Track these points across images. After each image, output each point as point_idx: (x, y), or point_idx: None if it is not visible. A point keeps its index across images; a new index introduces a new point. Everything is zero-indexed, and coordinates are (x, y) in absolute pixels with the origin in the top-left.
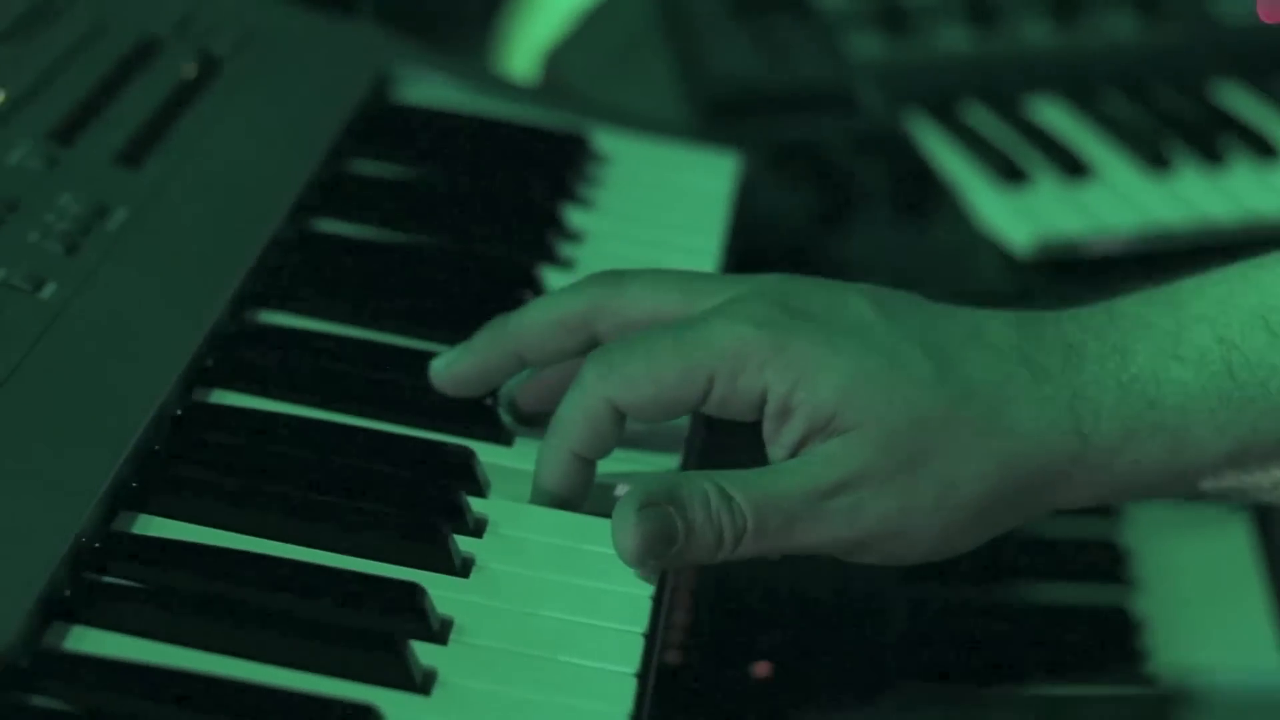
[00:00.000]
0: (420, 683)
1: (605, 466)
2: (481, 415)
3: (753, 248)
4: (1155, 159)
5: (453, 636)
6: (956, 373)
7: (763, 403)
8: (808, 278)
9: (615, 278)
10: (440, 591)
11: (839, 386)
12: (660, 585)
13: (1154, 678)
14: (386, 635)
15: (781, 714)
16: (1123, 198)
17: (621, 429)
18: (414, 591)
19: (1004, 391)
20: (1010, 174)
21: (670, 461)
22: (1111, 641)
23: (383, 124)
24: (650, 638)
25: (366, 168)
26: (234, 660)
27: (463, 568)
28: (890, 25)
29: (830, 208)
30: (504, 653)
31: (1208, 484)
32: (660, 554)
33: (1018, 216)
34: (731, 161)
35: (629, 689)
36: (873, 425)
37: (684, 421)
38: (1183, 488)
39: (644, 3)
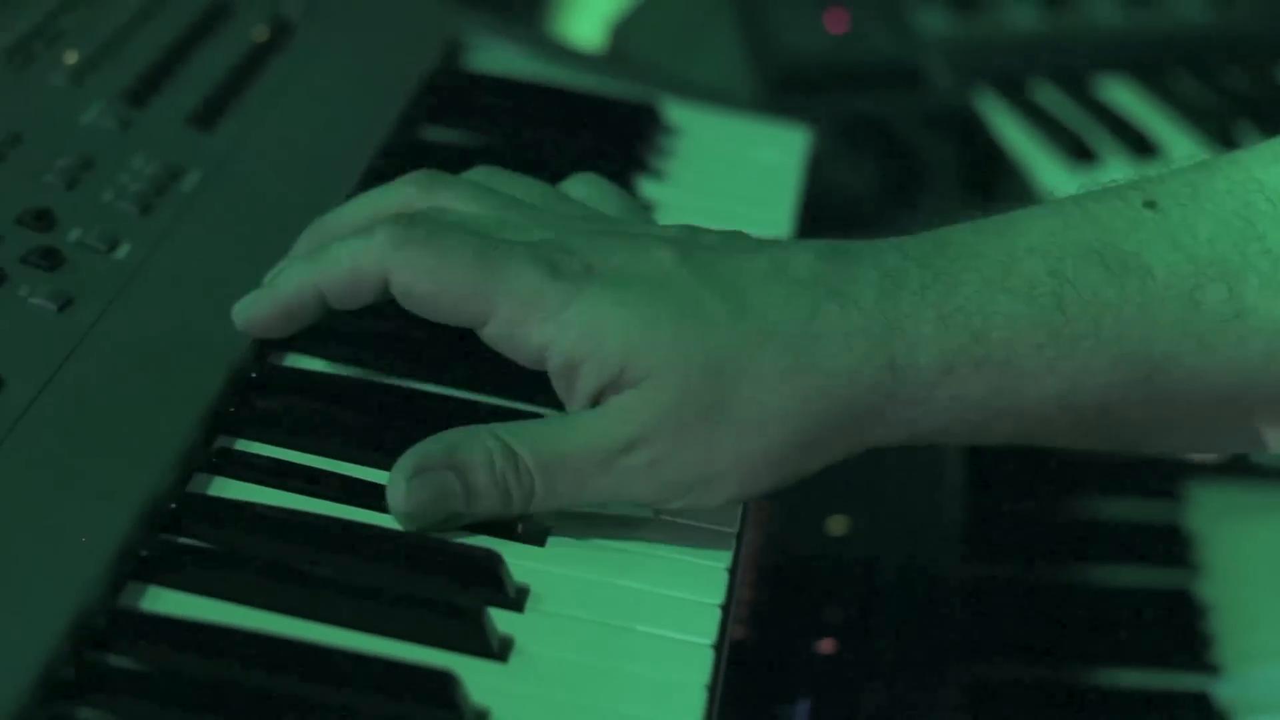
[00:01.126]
0: (497, 650)
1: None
2: None
3: (819, 223)
4: (1223, 139)
5: (529, 604)
6: (755, 312)
7: (541, 359)
8: (620, 221)
9: (433, 177)
10: (516, 560)
11: (624, 340)
12: (736, 557)
13: (1219, 662)
14: (464, 600)
15: (845, 690)
16: None
17: (374, 299)
18: (492, 559)
19: (809, 328)
20: (1079, 153)
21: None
22: (1176, 625)
23: (454, 91)
24: (725, 609)
25: (438, 134)
26: (308, 623)
27: (539, 537)
28: (960, 2)
29: (898, 185)
30: (580, 621)
31: (1039, 426)
32: (439, 520)
33: None
34: (802, 136)
35: (706, 660)
36: (665, 372)
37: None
38: (1011, 428)
39: None
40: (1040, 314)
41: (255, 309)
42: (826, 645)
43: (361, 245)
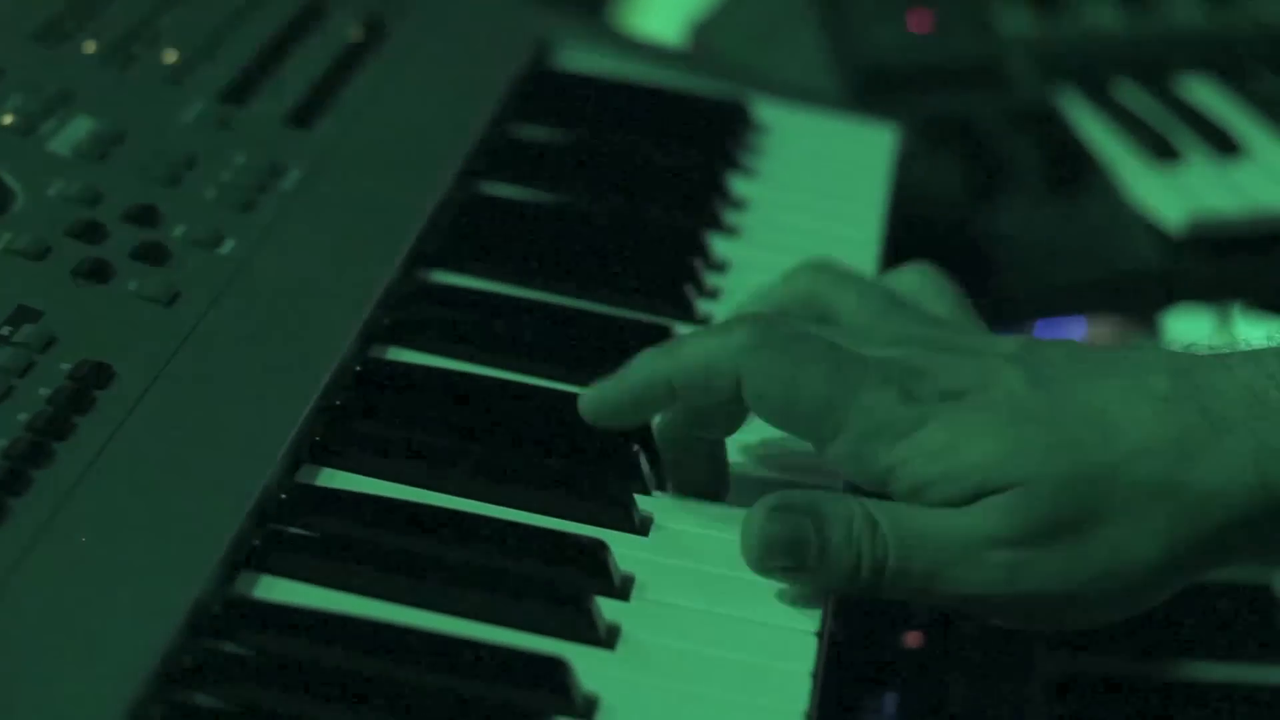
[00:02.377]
0: (605, 637)
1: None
2: None
3: (904, 221)
4: None
5: (634, 593)
6: (1122, 432)
7: (885, 480)
8: (967, 337)
9: (826, 267)
10: (620, 549)
11: (983, 457)
12: None
13: None
14: (572, 589)
15: (932, 683)
16: (1275, 176)
17: (725, 404)
18: (598, 547)
19: (1180, 447)
20: (1162, 151)
21: None
22: (1262, 619)
23: (544, 90)
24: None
25: (531, 132)
26: (417, 611)
27: (642, 526)
28: (1042, 2)
29: (981, 183)
30: (685, 610)
31: None
32: (787, 565)
33: (1170, 194)
34: (889, 134)
35: (811, 647)
36: (1036, 482)
37: None
38: None
39: None
40: None
41: (604, 396)
42: (914, 638)
43: (718, 342)
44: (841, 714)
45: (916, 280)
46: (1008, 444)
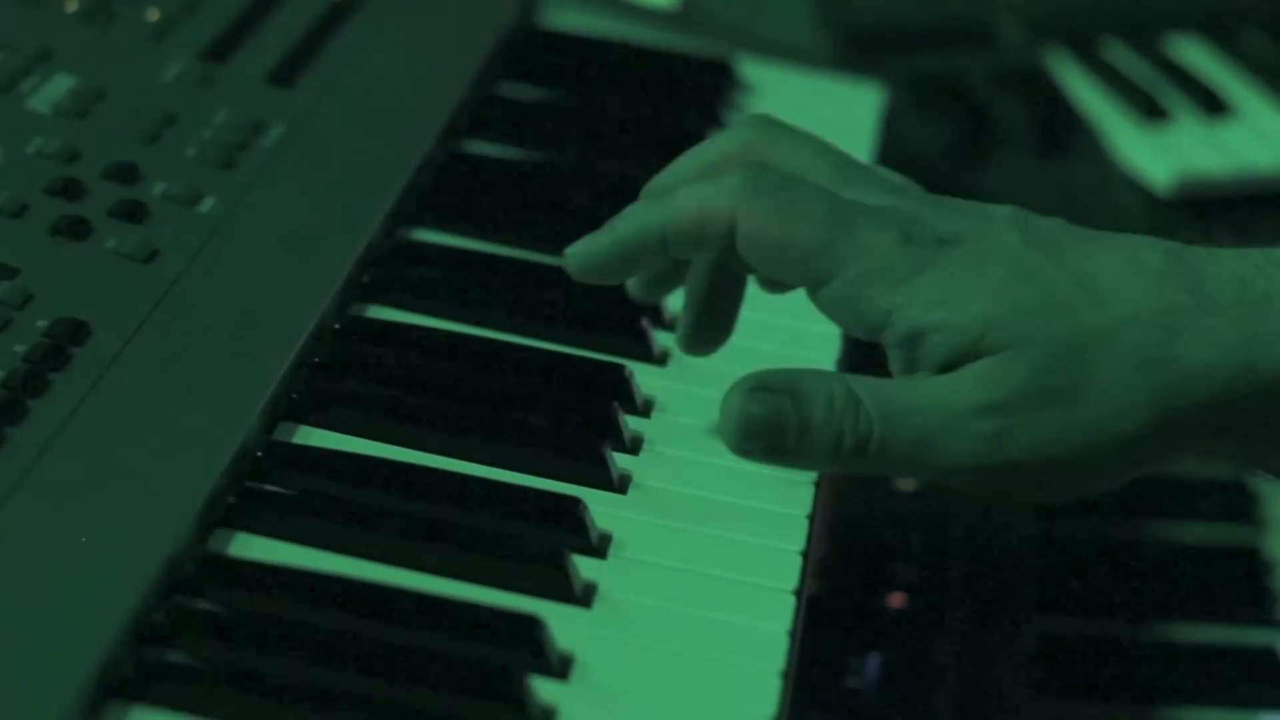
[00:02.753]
0: (581, 595)
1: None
2: (635, 334)
3: None
4: None
5: (611, 551)
6: (1115, 300)
7: (881, 324)
8: (955, 200)
9: (772, 126)
10: (598, 507)
11: (984, 311)
12: (815, 505)
13: None
14: (549, 547)
15: (916, 644)
16: (1263, 136)
17: (717, 248)
18: (574, 505)
19: (1169, 321)
20: (1150, 112)
21: None
22: (1242, 581)
23: (530, 48)
24: (805, 557)
25: (515, 91)
26: (393, 569)
27: (620, 484)
28: None
29: (970, 143)
30: (663, 568)
31: None
32: (766, 446)
33: (1158, 154)
34: (876, 93)
35: (788, 606)
36: (1027, 344)
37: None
38: None
39: None
40: None
41: (593, 247)
42: (897, 600)
43: (713, 189)
44: (824, 674)
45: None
46: (1006, 300)
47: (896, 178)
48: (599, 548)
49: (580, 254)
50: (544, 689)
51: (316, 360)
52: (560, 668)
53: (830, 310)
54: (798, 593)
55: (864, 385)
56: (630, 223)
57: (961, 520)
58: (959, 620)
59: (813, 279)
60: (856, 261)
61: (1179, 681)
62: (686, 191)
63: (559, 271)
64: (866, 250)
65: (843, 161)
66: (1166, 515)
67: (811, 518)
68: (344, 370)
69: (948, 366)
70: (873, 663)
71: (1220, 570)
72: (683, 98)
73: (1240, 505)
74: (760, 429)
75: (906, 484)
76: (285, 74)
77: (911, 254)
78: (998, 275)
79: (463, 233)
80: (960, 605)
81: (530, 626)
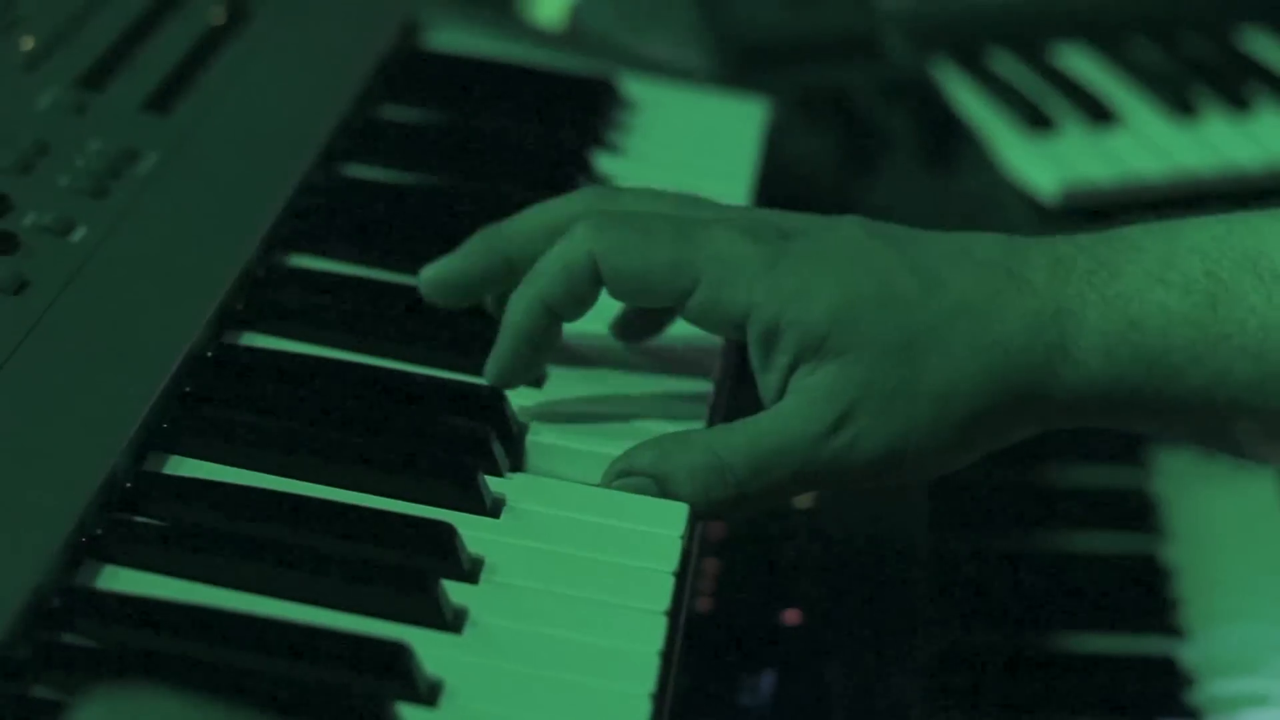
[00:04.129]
0: (451, 621)
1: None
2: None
3: (780, 195)
4: (1182, 106)
5: (484, 575)
6: (945, 290)
7: (744, 321)
8: (799, 212)
9: (611, 190)
10: (471, 531)
11: (831, 306)
12: (691, 525)
13: (1184, 626)
14: (418, 574)
15: (811, 661)
16: (1149, 144)
17: (594, 295)
18: (446, 531)
19: (991, 306)
20: (1036, 121)
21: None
22: (1142, 590)
23: (411, 70)
24: (680, 577)
25: (395, 113)
26: (264, 599)
27: (493, 508)
28: None
29: (857, 155)
30: (534, 592)
31: (1179, 420)
32: None
33: (1044, 163)
34: (759, 108)
35: (660, 627)
36: (867, 347)
37: (709, 387)
38: (1154, 419)
39: None
40: (1193, 310)
41: (500, 354)
42: (792, 616)
43: (566, 243)
44: (717, 692)
45: None
46: (849, 294)
47: (742, 208)
48: (471, 573)
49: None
50: (412, 717)
51: (188, 389)
52: (429, 694)
53: (700, 321)
54: (670, 614)
55: (731, 445)
56: (514, 311)
57: (857, 535)
58: (853, 636)
59: (678, 295)
60: (712, 265)
61: (1077, 692)
62: (544, 260)
63: None
64: (718, 255)
65: (682, 199)
66: (1064, 525)
67: (688, 539)
68: (215, 399)
69: (795, 363)
70: (767, 680)
71: (1118, 580)
72: (565, 117)
73: (1138, 514)
74: None
75: (803, 498)
76: (162, 100)
77: (761, 249)
78: (841, 267)
79: (341, 258)
80: (855, 621)
81: (398, 654)
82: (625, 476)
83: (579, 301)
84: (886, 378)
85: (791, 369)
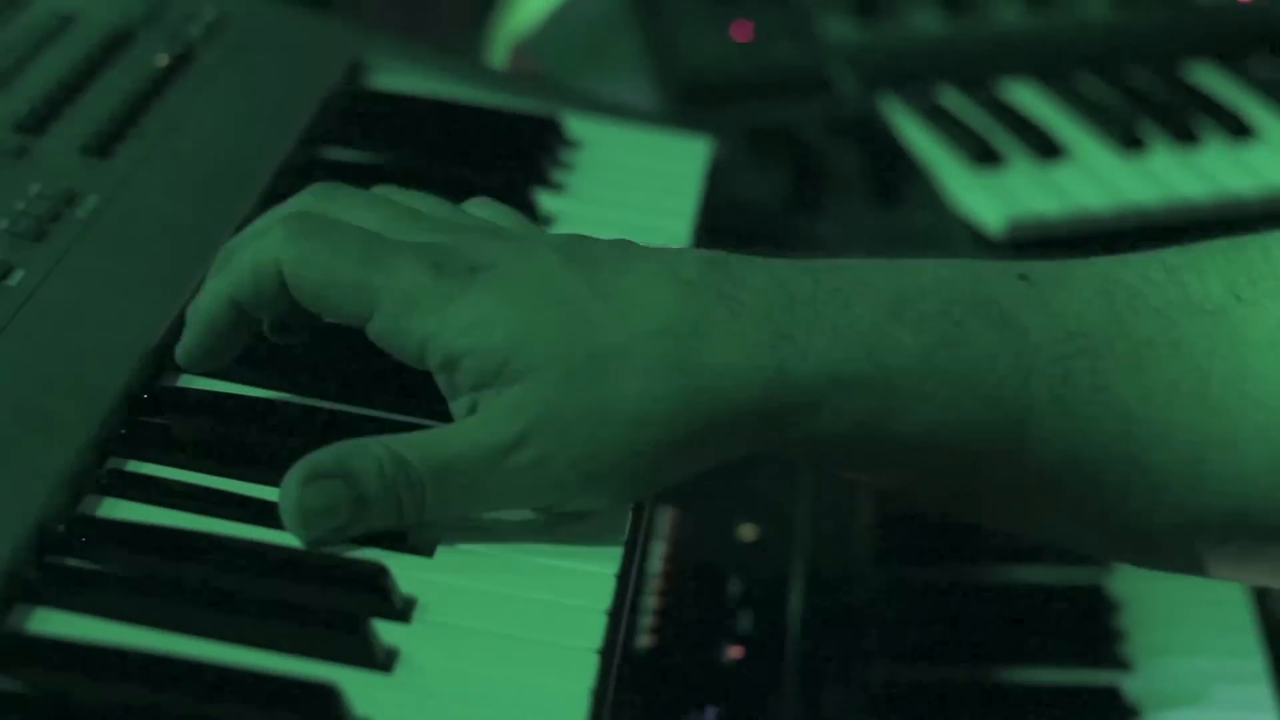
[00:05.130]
0: (382, 660)
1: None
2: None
3: (727, 231)
4: (1129, 139)
5: (416, 615)
6: (642, 312)
7: (422, 354)
8: (505, 229)
9: (334, 187)
10: (405, 571)
11: (509, 334)
12: (626, 563)
13: (1128, 658)
14: (347, 613)
15: (756, 696)
16: (1096, 178)
17: (285, 299)
18: (376, 570)
19: (697, 327)
20: (984, 156)
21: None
22: (1087, 622)
23: (355, 110)
24: (614, 615)
25: (338, 154)
26: (196, 640)
27: (427, 546)
28: (864, 9)
29: (804, 191)
30: (466, 630)
31: (907, 459)
32: (332, 529)
33: (991, 198)
34: (703, 146)
35: (591, 665)
36: (548, 366)
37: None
38: (882, 455)
39: None
40: (926, 346)
41: (186, 342)
42: (736, 651)
43: (259, 244)
44: None
45: (482, 207)
46: (531, 323)
47: (465, 218)
48: (403, 612)
49: (181, 351)
50: None
51: (122, 433)
52: None
53: (382, 344)
54: (603, 652)
55: (409, 445)
56: (202, 301)
57: (803, 568)
58: (800, 671)
59: (356, 316)
60: (390, 295)
61: None
62: (239, 253)
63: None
64: (397, 285)
65: (397, 210)
66: (1010, 557)
67: (622, 577)
68: (151, 442)
69: (480, 388)
70: (710, 716)
71: (1064, 611)
72: (509, 155)
73: None
74: (321, 516)
75: (747, 533)
76: (103, 144)
77: (444, 284)
78: (525, 299)
79: None
80: (800, 656)
81: (325, 696)
82: (312, 480)
83: (268, 303)
84: (574, 399)
85: (476, 393)
